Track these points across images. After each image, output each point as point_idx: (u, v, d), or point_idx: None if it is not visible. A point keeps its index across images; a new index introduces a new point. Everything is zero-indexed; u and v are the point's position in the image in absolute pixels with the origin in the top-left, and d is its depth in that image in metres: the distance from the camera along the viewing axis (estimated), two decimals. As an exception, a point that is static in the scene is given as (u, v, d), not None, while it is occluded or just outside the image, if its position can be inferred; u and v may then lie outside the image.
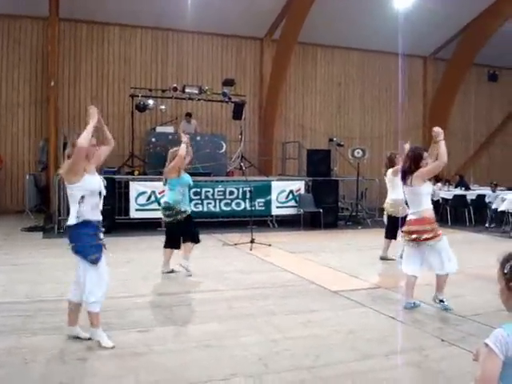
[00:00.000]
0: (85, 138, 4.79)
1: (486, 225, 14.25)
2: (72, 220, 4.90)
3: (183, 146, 8.01)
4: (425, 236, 6.14)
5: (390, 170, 9.09)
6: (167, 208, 8.04)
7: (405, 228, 6.31)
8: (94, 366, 4.43)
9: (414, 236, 6.18)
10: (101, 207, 5.05)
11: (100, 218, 5.05)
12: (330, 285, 7.44)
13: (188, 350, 4.86)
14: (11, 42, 16.57)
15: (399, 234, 6.83)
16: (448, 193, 15.44)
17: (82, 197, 4.89)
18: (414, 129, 20.82)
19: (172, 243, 8.13)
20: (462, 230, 13.95)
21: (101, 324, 5.02)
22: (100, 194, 5.01)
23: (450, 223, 14.62)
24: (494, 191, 15.12)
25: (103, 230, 5.10)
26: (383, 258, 9.44)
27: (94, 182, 4.98)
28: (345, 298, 6.78)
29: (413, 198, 6.32)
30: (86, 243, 4.87)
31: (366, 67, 20.98)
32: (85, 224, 4.90)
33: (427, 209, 6.29)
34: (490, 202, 14.95)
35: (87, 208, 4.91)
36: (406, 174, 6.26)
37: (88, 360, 4.56)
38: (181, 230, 8.05)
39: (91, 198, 4.93)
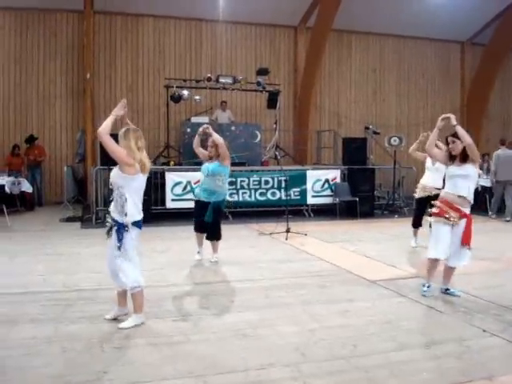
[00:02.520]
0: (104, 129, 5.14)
1: (507, 218, 13.40)
2: None
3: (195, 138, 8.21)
4: None
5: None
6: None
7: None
8: (132, 355, 4.46)
9: None
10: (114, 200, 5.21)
11: (111, 211, 5.23)
12: (367, 274, 7.36)
13: (224, 338, 4.85)
14: (47, 35, 16.79)
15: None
16: (487, 180, 15.01)
17: None
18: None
19: None
20: (502, 218, 13.63)
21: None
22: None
23: (489, 212, 14.30)
24: None
25: (107, 222, 5.33)
26: None
27: None
28: (382, 288, 6.69)
29: None
30: None
31: (402, 53, 20.65)
32: None
33: None
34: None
35: None
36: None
37: (126, 348, 4.59)
38: None
39: None
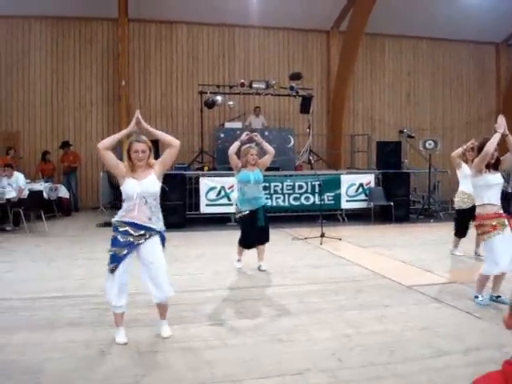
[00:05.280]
0: (102, 142, 4.95)
1: None
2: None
3: (235, 143, 7.85)
4: None
5: None
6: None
7: None
8: (169, 359, 4.49)
9: None
10: (138, 211, 4.85)
11: (133, 220, 4.84)
12: (403, 279, 7.28)
13: (261, 343, 4.86)
14: (83, 43, 17.12)
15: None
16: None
17: (123, 200, 5.06)
18: (487, 119, 20.11)
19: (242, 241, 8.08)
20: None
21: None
22: (141, 198, 4.86)
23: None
24: None
25: (138, 233, 4.85)
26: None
27: (129, 187, 4.88)
28: (419, 293, 6.62)
29: None
30: (112, 248, 4.88)
31: (436, 56, 20.43)
32: (115, 227, 4.95)
33: None
34: None
35: (121, 212, 4.98)
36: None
37: (163, 352, 4.63)
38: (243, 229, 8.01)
39: (128, 201, 4.94)
